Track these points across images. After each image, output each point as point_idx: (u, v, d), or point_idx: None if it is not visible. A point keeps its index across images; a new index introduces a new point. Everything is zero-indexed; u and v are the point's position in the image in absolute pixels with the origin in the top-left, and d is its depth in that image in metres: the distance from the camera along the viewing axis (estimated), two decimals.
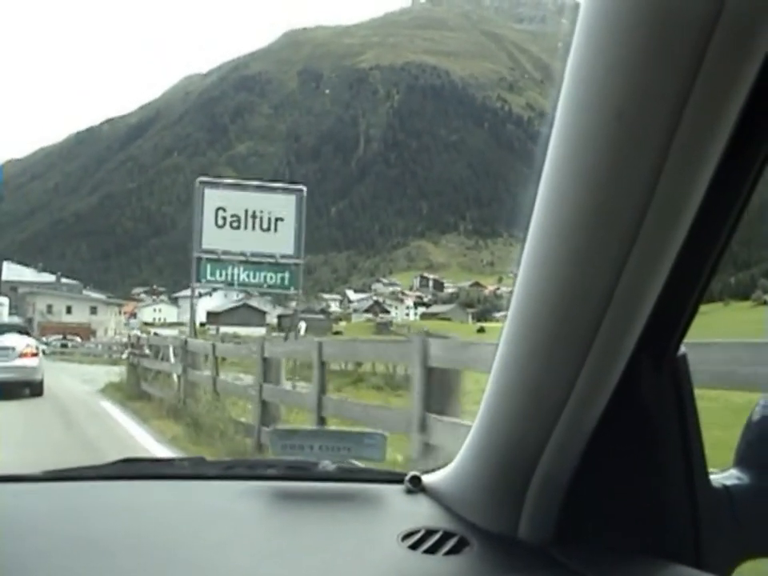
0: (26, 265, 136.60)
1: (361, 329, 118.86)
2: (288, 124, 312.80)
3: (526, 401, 1.17)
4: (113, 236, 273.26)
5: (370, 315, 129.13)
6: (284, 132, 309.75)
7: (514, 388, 1.17)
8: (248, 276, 20.27)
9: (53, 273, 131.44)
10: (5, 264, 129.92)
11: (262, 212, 20.13)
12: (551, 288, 1.02)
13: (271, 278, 20.32)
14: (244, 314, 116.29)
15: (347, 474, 1.71)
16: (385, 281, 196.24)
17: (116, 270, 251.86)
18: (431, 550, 1.29)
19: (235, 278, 20.20)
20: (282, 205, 20.39)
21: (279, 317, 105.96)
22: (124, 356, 27.24)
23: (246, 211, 20.10)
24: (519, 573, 1.24)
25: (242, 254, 19.99)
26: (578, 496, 1.23)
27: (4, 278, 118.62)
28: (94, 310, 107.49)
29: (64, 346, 65.08)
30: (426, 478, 1.59)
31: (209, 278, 20.01)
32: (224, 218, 19.93)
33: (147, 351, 20.15)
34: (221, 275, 20.10)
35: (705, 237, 1.01)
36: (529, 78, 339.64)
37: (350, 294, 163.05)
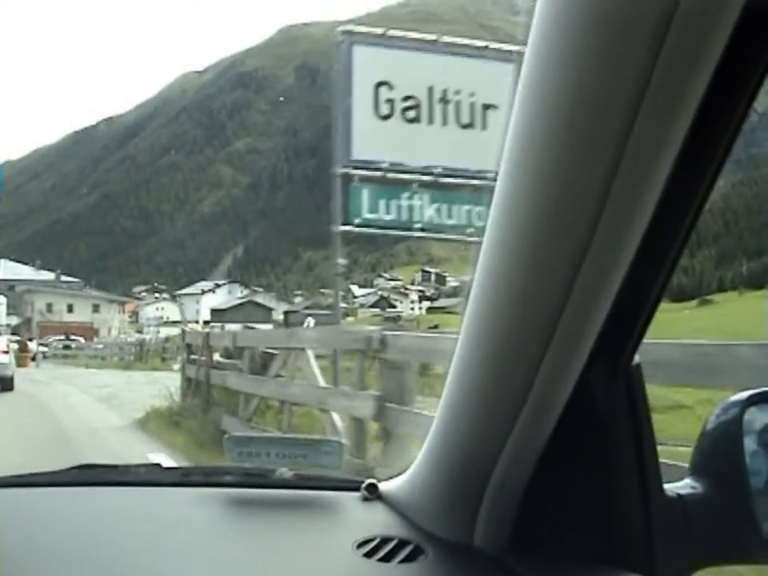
0: (24, 263, 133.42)
1: (369, 324, 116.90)
2: (286, 120, 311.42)
3: (480, 409, 1.16)
4: (111, 235, 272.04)
5: (377, 310, 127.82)
6: (282, 128, 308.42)
7: (468, 396, 1.16)
8: (438, 212, 10.83)
9: (51, 270, 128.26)
10: (1, 262, 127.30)
11: (458, 92, 10.85)
12: (505, 295, 1.01)
13: (479, 215, 10.54)
14: (249, 310, 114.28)
15: (304, 482, 1.70)
16: (386, 276, 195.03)
17: (115, 269, 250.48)
18: (386, 558, 1.28)
19: (414, 214, 10.74)
20: (493, 80, 10.55)
21: (285, 313, 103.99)
22: (176, 366, 19.78)
23: (431, 90, 10.77)
24: None
25: (426, 169, 10.76)
26: (532, 504, 1.22)
27: (1, 276, 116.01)
28: (96, 309, 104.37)
29: (67, 347, 60.47)
30: (383, 486, 1.58)
31: (367, 215, 10.47)
32: (390, 103, 10.63)
33: (221, 359, 13.69)
34: (388, 209, 10.62)
35: (659, 244, 1.01)
36: None
37: (355, 289, 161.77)
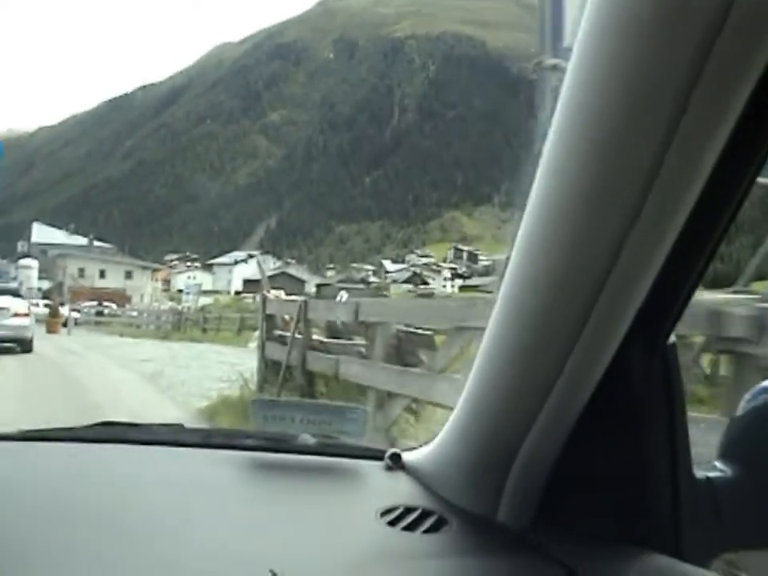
0: (57, 227, 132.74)
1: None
2: (323, 93, 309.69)
3: (512, 383, 1.14)
4: (145, 203, 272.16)
5: (410, 286, 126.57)
6: (318, 101, 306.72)
7: (501, 368, 1.15)
8: None
9: (84, 235, 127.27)
10: (34, 225, 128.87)
11: None
12: (543, 271, 1.01)
13: None
14: (283, 282, 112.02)
15: (327, 448, 1.69)
16: (419, 252, 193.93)
17: (148, 237, 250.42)
18: (409, 528, 1.28)
19: None
20: None
21: (318, 286, 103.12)
22: (253, 344, 16.47)
23: None
24: (497, 555, 1.22)
25: None
26: (559, 481, 1.22)
27: (33, 239, 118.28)
28: (129, 275, 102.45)
29: (99, 313, 59.22)
30: (407, 456, 1.58)
31: None
32: None
33: (323, 338, 10.94)
34: None
35: (703, 226, 1.00)
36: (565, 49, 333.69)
37: (387, 264, 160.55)
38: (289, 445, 1.70)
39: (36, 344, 23.07)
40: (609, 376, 1.11)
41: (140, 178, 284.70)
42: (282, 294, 13.27)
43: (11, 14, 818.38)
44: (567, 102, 0.88)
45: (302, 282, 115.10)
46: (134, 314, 58.88)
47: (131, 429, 1.89)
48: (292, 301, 11.82)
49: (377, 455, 1.63)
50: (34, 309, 45.78)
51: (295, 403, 1.87)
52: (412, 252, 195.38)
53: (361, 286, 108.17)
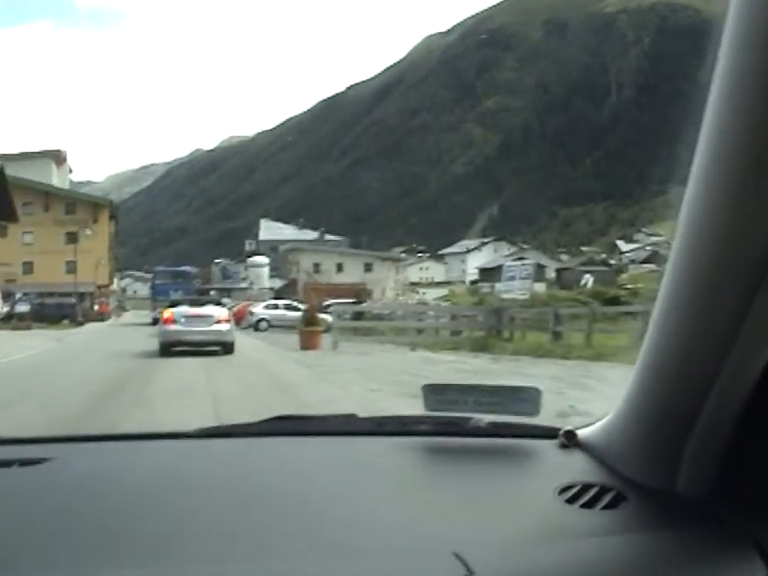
0: (286, 222, 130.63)
1: (648, 280, 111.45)
2: (535, 76, 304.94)
3: (686, 349, 1.10)
4: (364, 199, 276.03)
5: (652, 266, 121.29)
6: (532, 84, 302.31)
7: (675, 336, 1.11)
8: None
9: (315, 229, 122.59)
10: (262, 222, 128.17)
11: None
12: (716, 229, 0.97)
13: None
14: None
15: (500, 429, 1.68)
16: (646, 230, 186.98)
17: (369, 231, 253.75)
18: (588, 505, 1.27)
19: None
20: None
21: (558, 270, 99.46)
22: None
23: None
24: (678, 528, 1.19)
25: None
26: (740, 449, 1.16)
27: (262, 237, 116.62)
28: (368, 267, 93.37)
29: (358, 315, 37.29)
30: (581, 433, 1.57)
31: None
32: None
33: None
34: None
35: None
36: None
37: (621, 244, 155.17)
38: (462, 428, 1.68)
39: (295, 378, 17.44)
40: None
41: (357, 175, 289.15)
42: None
43: (219, 29, 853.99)
44: (721, 93, 0.88)
45: (542, 266, 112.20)
46: (399, 312, 40.67)
47: (305, 421, 1.92)
48: None
49: (550, 434, 1.62)
50: (276, 312, 45.94)
51: (466, 387, 1.83)
52: (639, 231, 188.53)
53: (604, 268, 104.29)
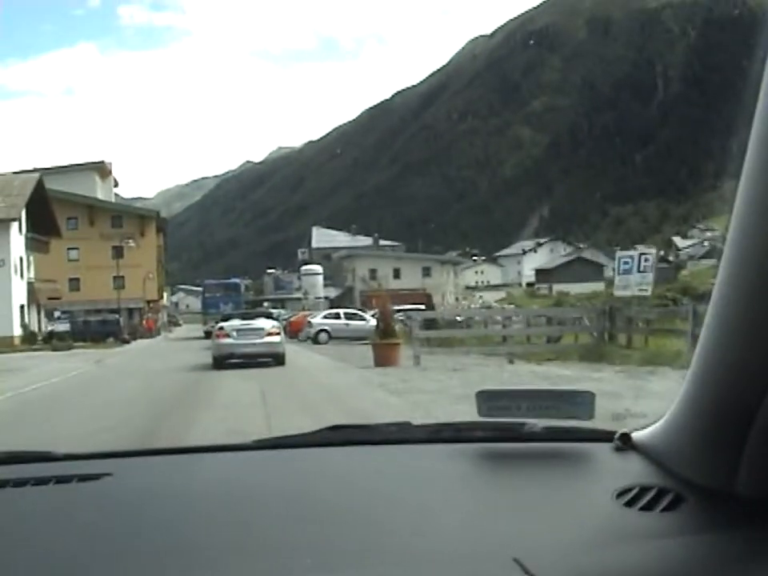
0: (338, 229, 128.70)
1: (709, 276, 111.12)
2: (581, 74, 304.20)
3: (744, 346, 1.09)
4: (415, 204, 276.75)
5: (711, 261, 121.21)
6: (578, 83, 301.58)
7: (732, 333, 1.10)
8: None
9: (368, 235, 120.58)
10: (314, 230, 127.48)
11: None
12: (763, 244, 0.97)
13: None
14: (578, 268, 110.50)
15: (555, 434, 1.68)
16: (701, 226, 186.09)
17: (421, 237, 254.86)
18: (647, 507, 1.26)
19: None
20: None
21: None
22: None
23: None
24: (739, 528, 1.17)
25: None
26: None
27: (314, 245, 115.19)
28: (426, 272, 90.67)
29: (431, 323, 31.03)
30: (636, 435, 1.55)
31: None
32: None
33: None
34: None
35: None
36: None
37: (677, 240, 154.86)
38: (517, 433, 1.68)
39: (386, 413, 12.69)
40: None
41: (407, 181, 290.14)
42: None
43: (267, 42, 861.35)
44: None
45: (600, 265, 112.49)
46: (478, 318, 38.41)
47: (359, 430, 1.92)
48: None
49: (605, 437, 1.61)
50: (337, 322, 45.21)
51: (520, 392, 1.83)
52: (694, 227, 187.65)
53: (664, 265, 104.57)
